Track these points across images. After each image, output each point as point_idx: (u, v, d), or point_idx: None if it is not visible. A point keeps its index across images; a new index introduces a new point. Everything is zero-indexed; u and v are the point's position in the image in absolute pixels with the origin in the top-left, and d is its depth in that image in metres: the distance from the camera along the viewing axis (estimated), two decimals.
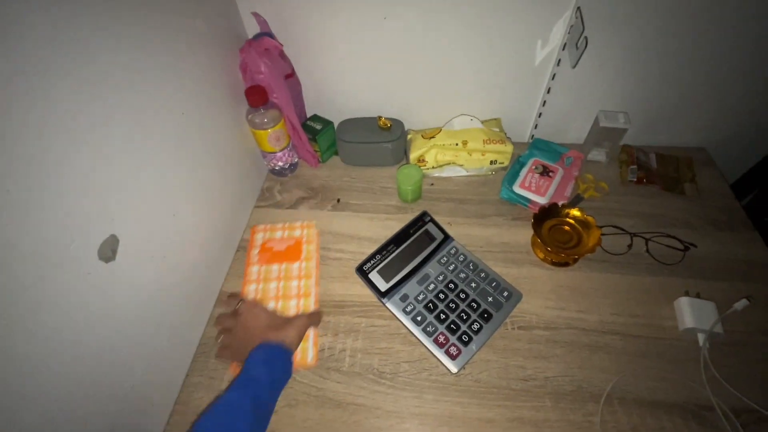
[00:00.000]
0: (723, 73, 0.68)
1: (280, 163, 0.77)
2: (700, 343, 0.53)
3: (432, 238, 0.65)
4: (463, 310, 0.58)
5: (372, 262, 0.63)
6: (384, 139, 0.76)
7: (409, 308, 0.58)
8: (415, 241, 0.65)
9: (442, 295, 0.60)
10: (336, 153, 0.83)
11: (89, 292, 0.39)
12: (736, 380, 0.51)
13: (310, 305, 0.61)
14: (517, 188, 0.73)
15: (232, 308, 0.55)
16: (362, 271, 0.62)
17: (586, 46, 0.58)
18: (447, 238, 0.66)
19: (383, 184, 0.78)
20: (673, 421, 0.49)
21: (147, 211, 0.47)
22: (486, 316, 0.57)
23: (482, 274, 0.61)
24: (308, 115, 0.82)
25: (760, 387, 0.51)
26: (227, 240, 0.68)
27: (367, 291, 0.63)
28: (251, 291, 0.62)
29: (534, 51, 0.69)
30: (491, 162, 0.75)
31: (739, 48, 0.64)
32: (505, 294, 0.59)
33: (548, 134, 0.82)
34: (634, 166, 0.75)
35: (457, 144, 0.74)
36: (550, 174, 0.74)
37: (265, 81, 0.66)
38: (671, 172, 0.75)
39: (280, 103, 0.70)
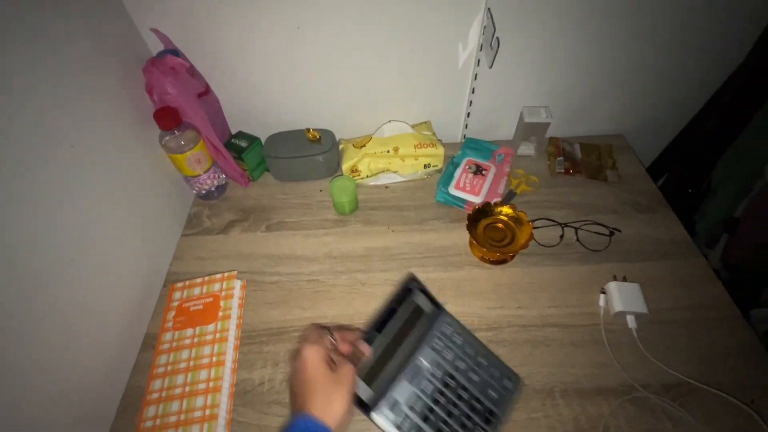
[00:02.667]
0: (632, 61, 0.72)
1: (206, 186, 0.72)
2: (630, 325, 0.55)
3: (421, 314, 0.53)
4: (465, 415, 0.48)
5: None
6: (314, 152, 0.73)
7: (401, 421, 0.46)
8: (402, 321, 0.51)
9: (439, 397, 0.49)
10: (267, 170, 0.79)
11: None
12: (665, 356, 0.53)
13: (223, 376, 0.52)
14: (452, 190, 0.73)
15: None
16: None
17: (498, 46, 0.59)
18: (438, 309, 0.55)
19: (319, 197, 0.75)
20: (610, 405, 0.50)
21: (33, 263, 0.42)
22: (488, 418, 0.48)
23: (479, 358, 0.52)
24: (233, 132, 0.78)
25: (686, 359, 0.53)
26: (149, 278, 0.62)
27: (307, 313, 0.60)
28: (162, 363, 0.54)
29: (456, 53, 0.69)
30: (425, 166, 0.75)
31: (644, 36, 0.68)
32: (505, 383, 0.51)
33: (480, 132, 0.83)
34: (561, 158, 0.77)
35: (388, 151, 0.73)
36: (483, 172, 0.75)
37: (174, 101, 0.61)
38: (594, 161, 0.78)
39: (195, 123, 0.65)
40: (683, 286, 0.60)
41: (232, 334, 0.57)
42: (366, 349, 0.46)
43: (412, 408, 0.48)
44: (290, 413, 0.41)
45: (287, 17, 0.62)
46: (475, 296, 0.61)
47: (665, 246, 0.66)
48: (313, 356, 0.41)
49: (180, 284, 0.62)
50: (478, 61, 0.69)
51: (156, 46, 0.63)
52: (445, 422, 0.47)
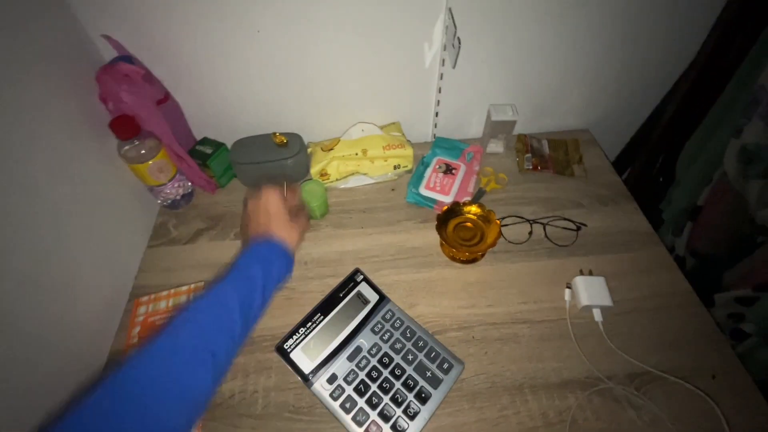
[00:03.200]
0: (595, 55, 0.73)
1: (171, 196, 0.70)
2: (596, 318, 0.57)
3: (365, 301, 0.58)
4: (398, 390, 0.51)
5: (294, 337, 0.54)
6: (282, 156, 0.72)
7: (337, 393, 0.51)
8: (345, 307, 0.57)
9: (374, 373, 0.52)
10: (235, 176, 0.77)
11: None
12: (629, 346, 0.55)
13: None
14: (422, 190, 0.73)
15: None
16: (282, 351, 0.53)
17: (460, 46, 0.59)
18: (382, 299, 0.59)
19: None
20: (577, 397, 0.51)
21: None
22: (423, 396, 0.50)
23: (420, 343, 0.54)
24: (198, 139, 0.76)
25: (649, 348, 0.55)
26: (113, 293, 0.60)
27: (278, 322, 0.59)
28: None
29: (423, 53, 0.69)
30: (395, 167, 0.75)
31: (601, 30, 0.69)
32: (446, 366, 0.53)
33: (450, 131, 0.83)
34: (529, 155, 0.78)
35: (357, 153, 0.72)
36: (453, 171, 0.75)
37: (131, 110, 0.59)
38: (562, 156, 0.80)
39: (155, 131, 0.63)
40: (645, 276, 0.62)
41: None
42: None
43: (347, 381, 0.52)
44: (250, 239, 0.49)
45: (246, 20, 0.61)
46: (446, 296, 0.62)
47: (628, 237, 0.67)
48: (277, 197, 0.51)
49: (145, 298, 0.60)
50: (443, 60, 0.69)
51: (110, 53, 0.61)
52: (378, 396, 0.51)
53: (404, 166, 0.75)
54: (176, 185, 0.70)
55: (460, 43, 0.58)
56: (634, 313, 0.58)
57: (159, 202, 0.72)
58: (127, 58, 0.59)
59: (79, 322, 0.53)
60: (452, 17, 0.60)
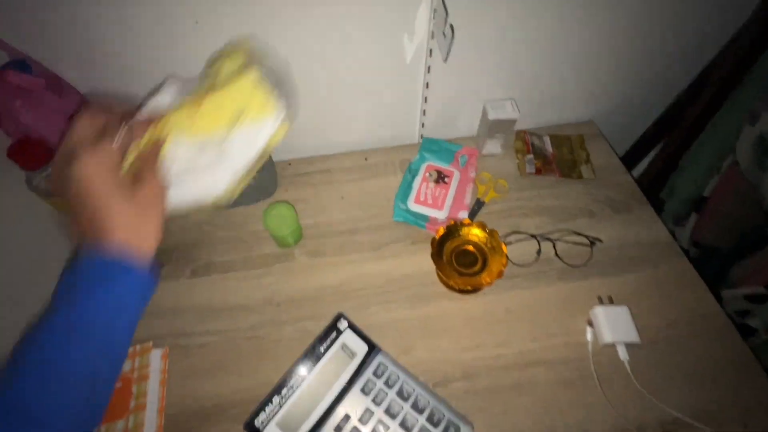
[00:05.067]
0: (604, 40, 0.63)
1: None
2: (621, 356, 0.49)
3: (352, 354, 0.48)
4: None
5: (268, 409, 0.44)
6: None
7: None
8: (329, 364, 0.47)
9: None
10: None
11: None
12: (659, 388, 0.47)
13: None
14: (411, 204, 0.63)
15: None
16: (253, 429, 0.43)
17: (453, 35, 0.47)
18: (372, 348, 0.49)
19: (252, 226, 0.63)
20: None
21: None
22: None
23: (420, 404, 0.45)
24: None
25: (681, 386, 0.48)
26: None
27: (249, 381, 0.49)
28: None
29: (402, 46, 0.57)
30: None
31: (618, 13, 0.58)
32: (452, 431, 0.44)
33: (438, 129, 0.72)
34: (530, 155, 0.69)
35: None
36: (446, 180, 0.65)
37: (35, 131, 0.46)
38: (566, 155, 0.70)
39: None
40: (670, 297, 0.55)
41: (152, 424, 0.45)
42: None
43: None
44: (79, 243, 0.31)
45: (182, 8, 0.47)
46: (446, 336, 0.52)
47: (647, 250, 0.59)
48: (98, 168, 0.29)
49: None
50: (431, 51, 0.57)
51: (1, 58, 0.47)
52: None
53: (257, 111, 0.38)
54: None
55: (453, 31, 0.47)
56: (661, 345, 0.51)
57: None
58: (20, 64, 0.45)
59: None
60: (443, 0, 0.48)
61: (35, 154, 0.46)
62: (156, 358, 0.49)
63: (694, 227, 0.91)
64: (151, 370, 0.48)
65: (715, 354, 0.50)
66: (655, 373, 0.49)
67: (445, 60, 0.51)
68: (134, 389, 0.46)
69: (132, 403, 0.45)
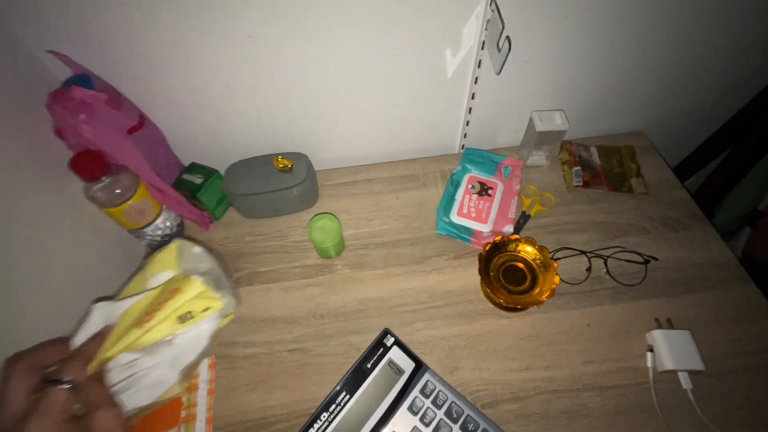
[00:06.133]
0: (658, 49, 0.60)
1: (158, 236, 0.59)
2: (683, 385, 0.46)
3: (399, 372, 0.47)
4: None
5: (316, 426, 0.44)
6: (286, 185, 0.60)
7: None
8: (376, 381, 0.46)
9: None
10: (232, 204, 0.65)
11: None
12: (728, 420, 0.45)
13: None
14: (454, 217, 0.61)
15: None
16: None
17: (510, 48, 0.46)
18: (420, 366, 0.47)
19: (295, 237, 0.63)
20: None
21: None
22: None
23: (470, 426, 0.44)
24: (184, 164, 0.64)
25: (752, 422, 0.45)
26: None
27: (293, 395, 0.49)
28: None
29: (444, 61, 0.56)
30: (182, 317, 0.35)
31: (673, 21, 0.56)
32: None
33: (479, 141, 0.71)
34: (578, 168, 0.66)
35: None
36: (489, 192, 0.63)
37: (94, 144, 0.47)
38: (616, 167, 0.67)
39: (129, 165, 0.51)
40: (737, 324, 0.51)
41: None
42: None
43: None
44: None
45: (234, 23, 0.48)
46: (493, 356, 0.51)
47: (708, 272, 0.56)
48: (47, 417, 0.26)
49: None
50: (480, 62, 0.56)
51: (66, 73, 0.48)
52: None
53: (204, 310, 0.35)
54: (162, 225, 0.58)
55: (510, 44, 0.45)
56: (728, 376, 0.48)
57: (143, 243, 0.61)
58: (84, 79, 0.46)
59: None
60: (498, 10, 0.46)
61: (94, 166, 0.48)
62: (204, 368, 0.50)
63: (747, 242, 0.86)
64: (200, 380, 0.48)
65: None
66: (722, 405, 0.46)
67: (498, 73, 0.50)
68: (184, 399, 0.47)
69: (183, 414, 0.46)
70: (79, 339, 0.32)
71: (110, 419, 0.29)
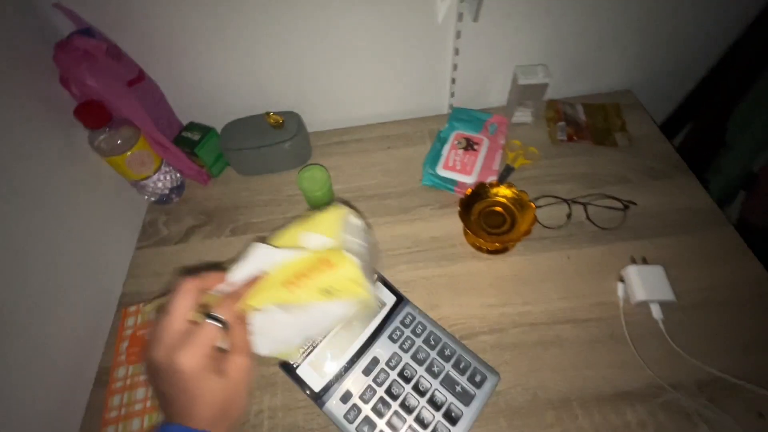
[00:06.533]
0: (642, 5, 0.61)
1: (159, 190, 0.63)
2: (654, 315, 0.48)
3: (381, 304, 0.50)
4: (423, 409, 0.44)
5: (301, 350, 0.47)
6: (278, 139, 0.63)
7: (352, 414, 0.44)
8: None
9: (395, 389, 0.45)
10: (229, 164, 0.69)
11: None
12: (698, 348, 0.46)
13: None
14: (440, 170, 0.63)
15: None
16: (288, 367, 0.46)
17: None
18: (400, 300, 0.50)
19: (288, 191, 0.66)
20: (636, 412, 0.43)
21: None
22: (453, 416, 0.43)
23: (446, 352, 0.47)
24: (183, 124, 0.67)
25: (722, 349, 0.46)
26: (99, 303, 0.54)
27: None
28: (114, 405, 0.46)
29: (433, 4, 0.58)
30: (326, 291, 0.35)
31: None
32: (477, 378, 0.45)
33: (468, 100, 0.73)
34: (562, 123, 0.68)
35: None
36: (475, 147, 0.65)
37: (97, 93, 0.51)
38: (601, 123, 0.68)
39: (129, 117, 0.55)
40: (712, 263, 0.52)
41: None
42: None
43: (364, 399, 0.45)
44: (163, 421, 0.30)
45: None
46: (473, 293, 0.53)
47: (687, 216, 0.57)
48: (192, 363, 0.29)
49: (133, 308, 0.54)
50: (460, 15, 0.58)
51: (70, 28, 0.52)
52: (401, 416, 0.44)
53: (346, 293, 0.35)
54: (163, 178, 0.62)
55: None
56: (700, 309, 0.49)
57: (146, 197, 0.65)
58: (86, 31, 0.50)
59: (63, 338, 0.47)
60: None
61: (97, 115, 0.52)
62: None
63: (743, 207, 0.86)
64: None
65: (761, 320, 0.48)
66: (693, 336, 0.47)
67: (475, 19, 0.52)
68: None
69: None
70: (236, 274, 0.34)
71: (243, 367, 0.31)
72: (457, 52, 0.63)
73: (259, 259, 0.34)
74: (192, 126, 0.66)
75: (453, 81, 0.69)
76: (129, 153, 0.55)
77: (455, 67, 0.66)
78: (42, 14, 0.50)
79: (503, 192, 0.56)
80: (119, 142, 0.54)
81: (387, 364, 0.47)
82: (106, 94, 0.51)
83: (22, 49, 0.47)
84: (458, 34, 0.61)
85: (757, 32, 0.67)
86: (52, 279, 0.47)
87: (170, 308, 0.30)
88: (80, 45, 0.48)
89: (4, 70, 0.44)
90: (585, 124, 0.68)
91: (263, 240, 0.36)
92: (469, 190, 0.56)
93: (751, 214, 0.81)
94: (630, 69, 0.72)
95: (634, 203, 0.58)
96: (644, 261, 0.52)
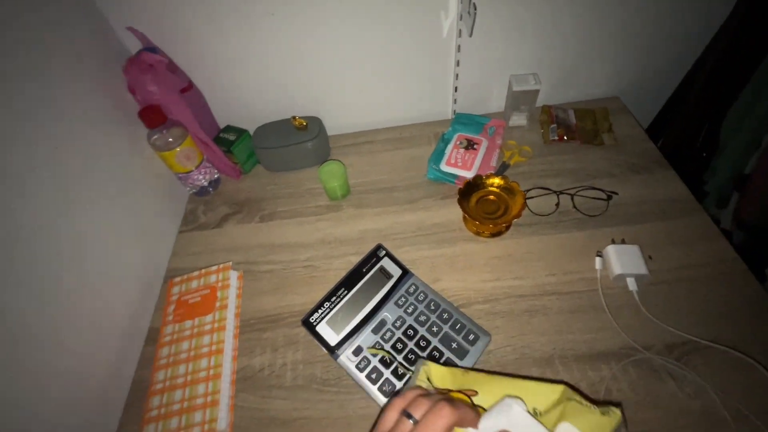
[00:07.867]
0: (624, 18, 0.69)
1: (199, 183, 0.73)
2: (630, 287, 0.54)
3: (388, 276, 0.58)
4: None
5: (320, 311, 0.55)
6: (302, 139, 0.73)
7: (362, 364, 0.51)
8: (368, 282, 0.57)
9: (400, 345, 0.52)
10: (258, 162, 0.79)
11: None
12: (668, 316, 0.52)
13: (222, 364, 0.53)
14: (443, 166, 0.72)
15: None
16: (308, 324, 0.54)
17: (476, 12, 0.57)
18: (405, 273, 0.59)
19: (309, 185, 0.75)
20: (611, 369, 0.49)
21: (38, 270, 0.43)
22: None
23: (445, 315, 0.54)
24: (221, 127, 0.78)
25: (690, 318, 0.52)
26: (149, 275, 0.64)
27: (303, 299, 0.60)
28: (164, 355, 0.55)
29: (439, 22, 0.67)
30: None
31: None
32: (471, 337, 0.52)
33: (471, 107, 0.82)
34: (554, 125, 0.75)
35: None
36: (475, 146, 0.74)
37: (157, 99, 0.62)
38: (589, 125, 0.76)
39: (180, 119, 0.65)
40: (686, 245, 0.58)
41: (231, 323, 0.58)
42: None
43: (373, 353, 0.52)
44: None
45: (259, 4, 0.62)
46: (470, 270, 0.60)
47: (665, 205, 0.63)
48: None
49: (178, 279, 0.63)
50: (460, 31, 0.67)
51: (135, 46, 0.64)
52: (404, 367, 0.51)
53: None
54: (203, 172, 0.72)
55: (476, 8, 0.56)
56: (673, 283, 0.55)
57: (188, 189, 0.75)
58: (152, 49, 0.61)
59: (121, 302, 0.57)
60: None
61: (155, 116, 0.62)
62: (234, 277, 0.62)
63: (737, 206, 0.91)
64: (231, 283, 0.61)
65: (732, 296, 0.53)
66: (665, 306, 0.53)
67: (470, 34, 0.61)
68: (218, 294, 0.59)
69: (217, 303, 0.58)
70: (487, 424, 0.33)
71: None
72: (458, 63, 0.72)
73: (511, 419, 0.33)
74: (228, 128, 0.76)
75: (455, 89, 0.78)
76: (178, 149, 0.66)
77: (457, 76, 0.75)
78: (115, 35, 0.62)
79: (497, 182, 0.63)
80: (170, 140, 0.65)
81: (393, 324, 0.54)
82: (164, 100, 0.62)
83: (103, 63, 0.59)
84: (458, 48, 0.70)
85: (727, 44, 0.74)
86: (115, 254, 0.57)
87: (380, 419, 0.34)
88: (147, 59, 0.59)
89: (91, 80, 0.56)
90: (575, 126, 0.76)
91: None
92: (466, 180, 0.64)
93: (744, 212, 0.86)
94: (615, 77, 0.80)
95: (616, 193, 0.64)
96: (623, 242, 0.59)
